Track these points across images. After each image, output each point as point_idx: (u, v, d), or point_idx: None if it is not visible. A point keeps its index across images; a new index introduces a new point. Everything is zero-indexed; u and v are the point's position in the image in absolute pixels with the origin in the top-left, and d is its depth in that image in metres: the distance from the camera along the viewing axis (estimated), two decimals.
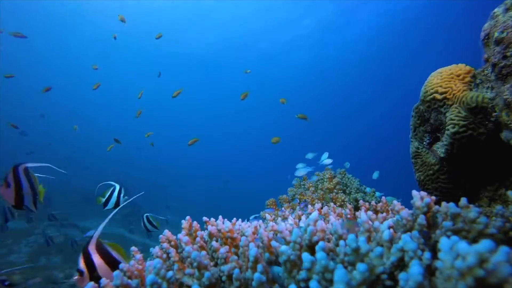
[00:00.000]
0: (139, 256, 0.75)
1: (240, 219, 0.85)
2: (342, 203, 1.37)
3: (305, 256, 0.46)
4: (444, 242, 0.38)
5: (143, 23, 14.13)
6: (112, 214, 0.73)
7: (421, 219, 0.58)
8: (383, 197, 1.06)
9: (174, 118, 24.47)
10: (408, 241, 0.46)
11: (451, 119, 0.92)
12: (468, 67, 0.98)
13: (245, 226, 0.78)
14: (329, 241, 0.58)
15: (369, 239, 0.56)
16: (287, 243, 0.57)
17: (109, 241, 0.76)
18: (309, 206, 1.13)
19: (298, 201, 1.44)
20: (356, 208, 1.43)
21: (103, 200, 1.44)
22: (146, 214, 1.85)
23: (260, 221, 0.90)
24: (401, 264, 0.46)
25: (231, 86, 20.13)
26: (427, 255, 0.45)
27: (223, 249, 0.62)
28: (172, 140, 25.62)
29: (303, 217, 0.95)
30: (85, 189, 9.54)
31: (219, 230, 0.69)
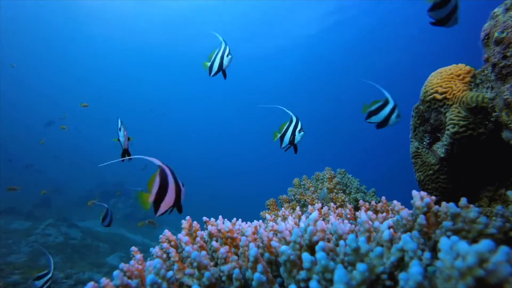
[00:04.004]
0: (139, 256, 0.75)
1: (240, 219, 0.85)
2: (342, 203, 1.37)
3: (305, 256, 0.46)
4: (444, 242, 0.38)
5: (141, 24, 14.13)
6: None
7: (421, 219, 0.58)
8: (383, 197, 1.06)
9: (174, 118, 24.48)
10: (408, 241, 0.46)
11: (451, 119, 0.92)
12: (468, 67, 0.98)
13: (245, 226, 0.78)
14: (329, 241, 0.58)
15: (369, 239, 0.56)
16: (287, 243, 0.57)
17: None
18: (309, 206, 1.13)
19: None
20: (356, 208, 1.43)
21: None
22: None
23: (260, 221, 0.90)
24: (401, 264, 0.46)
25: (231, 86, 20.13)
26: (427, 255, 0.45)
27: (223, 249, 0.62)
28: (172, 140, 25.63)
29: (303, 217, 0.95)
30: (85, 189, 9.54)
31: (219, 230, 0.69)
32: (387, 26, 12.99)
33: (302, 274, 0.47)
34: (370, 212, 0.74)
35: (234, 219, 0.87)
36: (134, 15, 13.68)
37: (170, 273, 0.56)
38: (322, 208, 1.07)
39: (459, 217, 0.56)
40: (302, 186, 1.61)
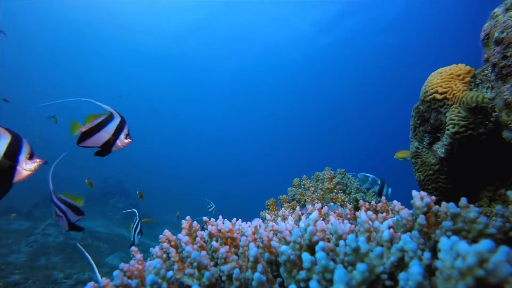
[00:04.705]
0: (139, 256, 0.75)
1: (240, 219, 0.85)
2: (342, 203, 1.37)
3: (305, 256, 0.46)
4: (444, 242, 0.38)
5: (141, 25, 14.13)
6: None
7: (421, 219, 0.58)
8: (383, 197, 1.06)
9: (175, 118, 24.47)
10: (408, 241, 0.46)
11: (451, 119, 0.92)
12: (468, 67, 0.98)
13: (245, 226, 0.78)
14: (329, 241, 0.58)
15: (369, 239, 0.56)
16: (287, 243, 0.57)
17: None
18: (309, 206, 1.13)
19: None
20: (356, 208, 1.43)
21: None
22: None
23: (260, 221, 0.90)
24: (401, 264, 0.46)
25: (232, 86, 20.13)
26: (427, 255, 0.45)
27: (223, 249, 0.62)
28: (172, 141, 25.61)
29: (303, 217, 0.95)
30: (84, 189, 9.52)
31: (219, 230, 0.69)
32: (387, 26, 12.99)
33: (302, 274, 0.47)
34: (370, 212, 0.74)
35: (234, 219, 0.87)
36: (135, 16, 13.68)
37: (170, 273, 0.56)
38: (322, 208, 1.07)
39: (459, 217, 0.56)
40: (302, 186, 1.61)
